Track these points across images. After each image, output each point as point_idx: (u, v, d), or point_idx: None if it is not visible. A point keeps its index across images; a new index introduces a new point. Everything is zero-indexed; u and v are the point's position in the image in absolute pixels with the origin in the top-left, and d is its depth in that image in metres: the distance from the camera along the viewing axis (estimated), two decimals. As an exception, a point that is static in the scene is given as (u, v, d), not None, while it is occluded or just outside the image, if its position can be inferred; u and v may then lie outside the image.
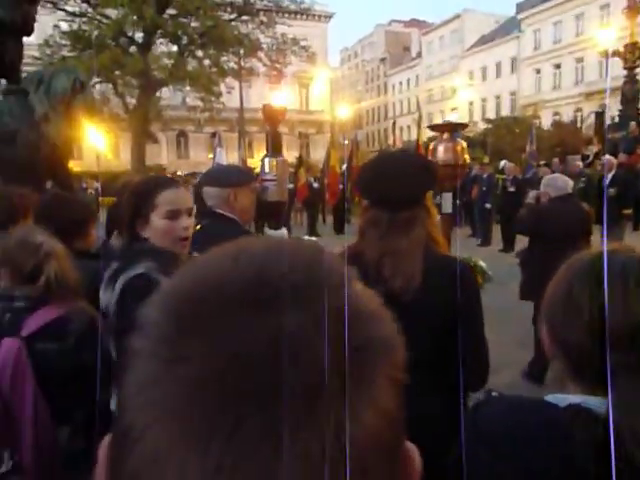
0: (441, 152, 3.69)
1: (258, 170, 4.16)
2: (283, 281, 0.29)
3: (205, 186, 2.48)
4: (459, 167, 3.72)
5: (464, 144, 3.83)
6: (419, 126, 10.42)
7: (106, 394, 1.75)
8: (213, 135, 34.74)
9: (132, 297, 1.48)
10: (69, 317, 1.63)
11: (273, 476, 0.24)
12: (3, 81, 8.49)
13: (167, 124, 29.15)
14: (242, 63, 21.17)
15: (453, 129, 3.88)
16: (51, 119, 7.98)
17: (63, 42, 19.03)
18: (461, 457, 0.68)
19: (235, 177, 2.40)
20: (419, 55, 55.03)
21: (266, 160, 3.62)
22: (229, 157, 11.89)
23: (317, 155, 36.05)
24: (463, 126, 5.27)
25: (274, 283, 0.29)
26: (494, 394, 0.86)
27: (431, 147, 3.91)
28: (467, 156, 3.90)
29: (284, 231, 3.10)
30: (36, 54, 16.82)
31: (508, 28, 43.62)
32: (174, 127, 34.18)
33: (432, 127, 4.76)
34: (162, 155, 34.04)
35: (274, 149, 3.64)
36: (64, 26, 19.14)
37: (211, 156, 32.39)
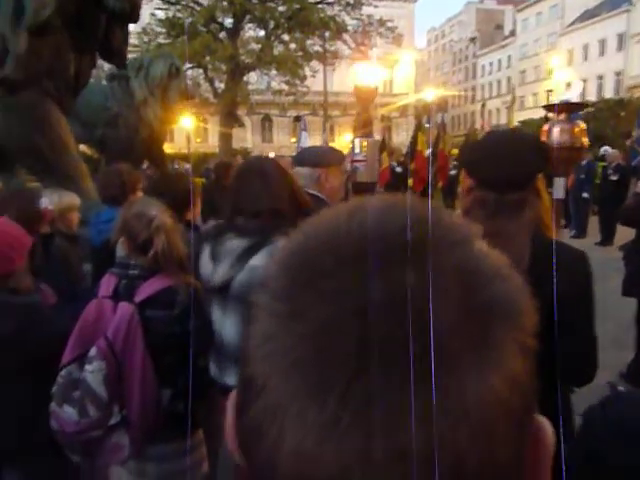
0: (556, 134, 3.48)
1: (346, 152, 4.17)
2: (400, 236, 0.28)
3: (297, 166, 2.53)
4: (576, 150, 3.47)
5: (583, 126, 3.57)
6: (511, 109, 9.87)
7: (204, 362, 1.86)
8: (296, 119, 35.29)
9: None
10: (177, 288, 1.71)
11: (389, 434, 0.24)
12: (106, 67, 9.11)
13: (253, 108, 29.93)
14: (327, 46, 21.14)
15: (571, 109, 3.63)
16: (149, 103, 8.48)
17: (159, 30, 20.01)
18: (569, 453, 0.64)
19: (326, 157, 2.41)
20: (512, 34, 51.95)
21: (357, 141, 3.59)
22: (312, 140, 11.99)
23: (399, 139, 35.45)
24: (581, 106, 4.89)
25: (391, 238, 0.28)
26: (620, 389, 0.80)
27: (545, 128, 3.69)
28: (586, 139, 3.63)
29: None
30: (135, 42, 17.84)
31: (616, 2, 39.89)
32: (259, 111, 34.99)
33: (547, 107, 4.48)
34: (247, 138, 35.08)
35: (365, 129, 3.59)
36: (160, 14, 20.07)
37: (294, 140, 32.82)
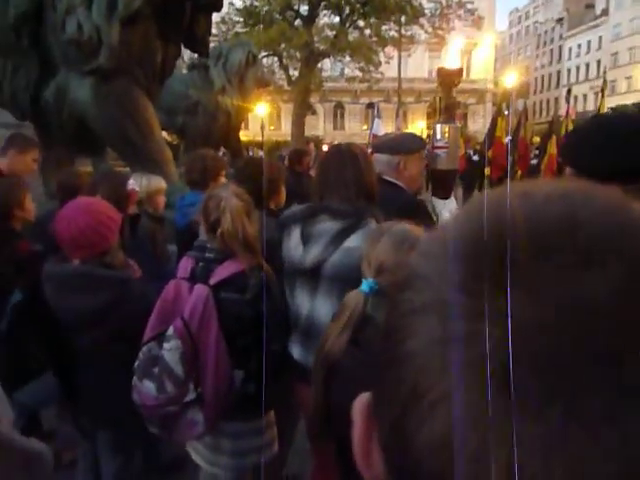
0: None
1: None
2: (600, 226, 0.24)
3: (376, 152, 2.49)
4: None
5: None
6: (602, 94, 9.16)
7: (276, 345, 1.88)
8: (368, 106, 34.97)
9: None
10: (250, 272, 1.74)
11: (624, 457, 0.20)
12: (186, 56, 9.44)
13: (325, 95, 29.95)
14: (403, 31, 20.65)
15: None
16: (227, 90, 8.73)
17: (236, 19, 20.45)
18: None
19: (406, 144, 2.36)
20: (605, 13, 48.11)
21: (438, 126, 3.47)
22: (385, 128, 11.80)
23: (475, 126, 34.13)
24: None
25: (588, 228, 0.24)
26: None
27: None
28: None
29: (453, 201, 2.97)
30: (214, 31, 18.35)
31: None
32: (332, 98, 34.99)
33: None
34: (319, 126, 35.23)
35: (447, 114, 3.47)
36: (238, 3, 20.47)
37: (365, 127, 32.40)
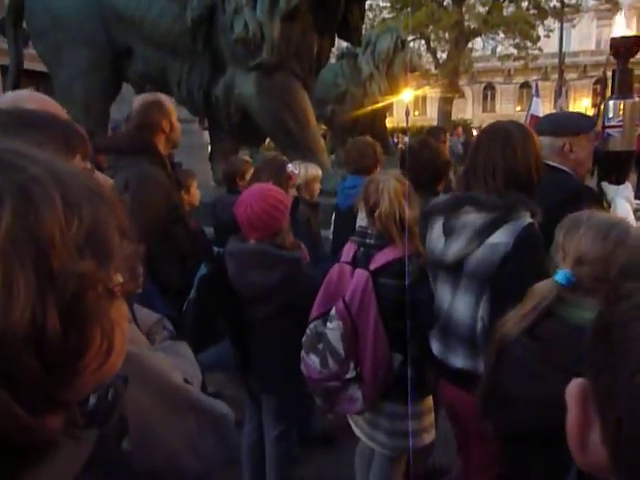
0: None
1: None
2: None
3: (539, 135, 2.32)
4: None
5: None
6: None
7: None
8: (522, 86, 32.41)
9: (529, 248, 1.48)
10: (409, 259, 1.73)
11: None
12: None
13: (474, 77, 28.47)
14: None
15: None
16: (375, 78, 8.77)
17: (383, 4, 20.34)
18: None
19: (572, 125, 2.14)
20: None
21: (611, 103, 3.06)
22: (543, 108, 10.84)
23: (654, 103, 29.68)
24: None
25: None
26: None
27: None
28: None
29: (628, 187, 2.63)
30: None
31: None
32: (481, 80, 33.14)
33: None
34: (467, 109, 33.65)
35: (621, 89, 3.05)
36: (386, -11, 20.32)
37: (519, 109, 30.07)
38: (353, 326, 1.78)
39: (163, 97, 2.35)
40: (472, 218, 1.57)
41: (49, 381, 0.31)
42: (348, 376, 1.79)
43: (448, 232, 1.64)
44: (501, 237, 1.50)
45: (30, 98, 1.20)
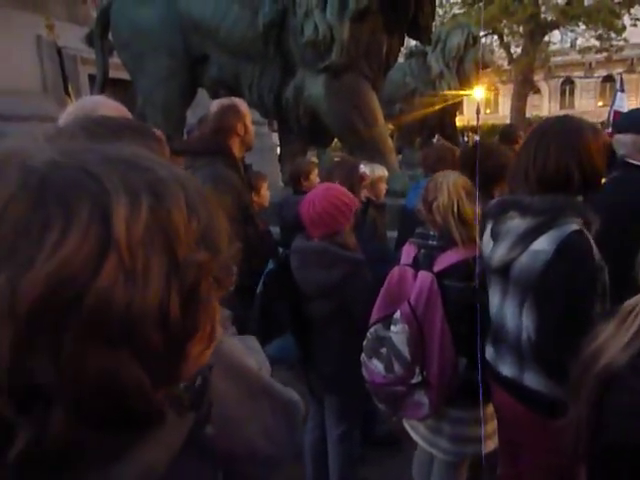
0: None
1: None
2: None
3: (618, 132, 2.19)
4: None
5: None
6: None
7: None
8: (605, 80, 30.40)
9: (571, 257, 1.38)
10: (473, 261, 1.70)
11: None
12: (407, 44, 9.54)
13: (551, 71, 27.06)
14: (657, -15, 17.28)
15: None
16: (444, 76, 8.58)
17: (452, 0, 19.80)
18: None
19: None
20: None
21: None
22: (629, 103, 10.14)
23: None
24: None
25: None
26: None
27: None
28: None
29: None
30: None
31: None
32: (559, 74, 31.43)
33: None
34: (543, 106, 32.09)
35: None
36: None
37: (601, 104, 28.33)
38: (419, 329, 1.76)
39: (239, 101, 2.44)
40: (516, 223, 1.50)
41: (169, 357, 0.35)
42: (414, 381, 1.77)
43: (495, 237, 1.59)
44: (543, 244, 1.41)
45: (105, 104, 1.29)
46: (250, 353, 0.83)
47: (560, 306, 1.36)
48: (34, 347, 0.31)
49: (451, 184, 1.79)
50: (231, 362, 0.65)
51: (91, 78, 6.78)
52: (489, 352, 1.69)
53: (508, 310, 1.55)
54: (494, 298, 1.64)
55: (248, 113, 2.39)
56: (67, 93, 6.03)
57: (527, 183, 1.50)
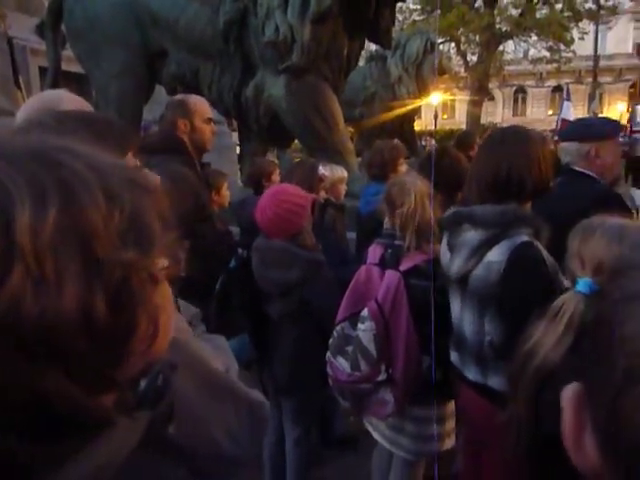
0: None
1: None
2: None
3: (562, 140, 2.29)
4: None
5: None
6: None
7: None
8: (554, 89, 31.75)
9: (522, 267, 1.41)
10: (437, 261, 1.73)
11: None
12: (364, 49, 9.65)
13: (505, 80, 28.02)
14: (602, 1, 18.21)
15: None
16: (403, 80, 8.73)
17: (413, 7, 20.20)
18: None
19: (597, 130, 2.10)
20: None
21: (638, 107, 3.00)
22: (576, 112, 10.63)
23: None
24: None
25: None
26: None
27: None
28: None
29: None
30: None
31: None
32: (512, 83, 32.62)
33: None
34: (497, 113, 33.19)
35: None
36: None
37: (551, 113, 29.55)
38: (386, 327, 1.77)
39: (192, 98, 2.36)
40: (470, 235, 1.54)
41: (100, 362, 0.33)
42: (379, 378, 1.78)
43: (451, 248, 1.62)
44: (496, 255, 1.45)
45: (65, 98, 1.24)
46: (218, 353, 0.82)
47: (518, 313, 1.41)
48: None
49: (418, 192, 1.80)
50: (195, 363, 0.64)
51: (42, 70, 6.50)
52: (454, 356, 1.72)
53: (467, 319, 1.59)
54: (454, 307, 1.67)
55: (200, 111, 2.32)
56: (18, 86, 5.74)
57: (480, 191, 1.53)
